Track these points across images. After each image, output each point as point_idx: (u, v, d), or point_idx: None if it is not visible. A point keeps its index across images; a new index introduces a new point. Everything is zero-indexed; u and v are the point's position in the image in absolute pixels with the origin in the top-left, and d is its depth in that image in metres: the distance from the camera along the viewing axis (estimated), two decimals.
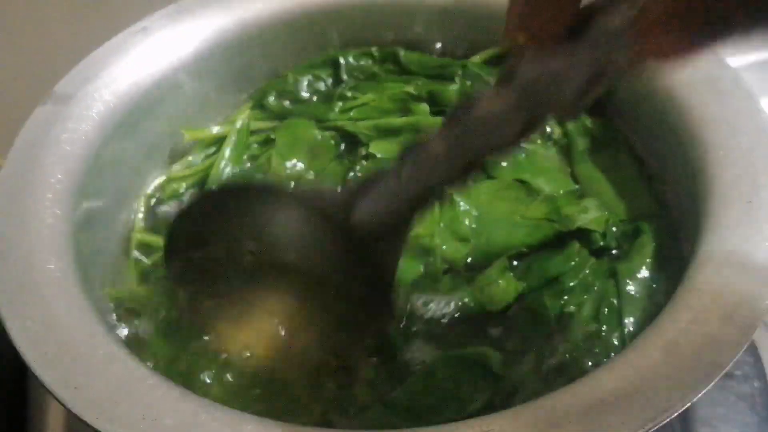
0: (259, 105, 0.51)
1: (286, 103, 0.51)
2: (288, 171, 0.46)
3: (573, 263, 0.39)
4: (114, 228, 0.44)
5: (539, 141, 0.46)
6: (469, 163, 0.28)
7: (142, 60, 0.45)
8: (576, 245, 0.39)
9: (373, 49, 0.51)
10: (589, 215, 0.40)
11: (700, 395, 0.27)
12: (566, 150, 0.46)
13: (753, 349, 0.41)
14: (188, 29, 0.47)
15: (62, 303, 0.33)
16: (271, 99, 0.50)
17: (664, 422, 0.27)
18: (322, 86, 0.51)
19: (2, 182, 0.37)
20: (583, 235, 0.40)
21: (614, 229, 0.40)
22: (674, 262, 0.38)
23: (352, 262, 0.33)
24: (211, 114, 0.50)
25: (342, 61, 0.51)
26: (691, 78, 0.40)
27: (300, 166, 0.47)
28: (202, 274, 0.37)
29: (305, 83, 0.51)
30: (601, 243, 0.39)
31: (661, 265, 0.38)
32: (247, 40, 0.49)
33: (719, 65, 0.40)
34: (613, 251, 0.40)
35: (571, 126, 0.46)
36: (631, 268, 0.38)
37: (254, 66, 0.51)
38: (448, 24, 0.51)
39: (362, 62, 0.51)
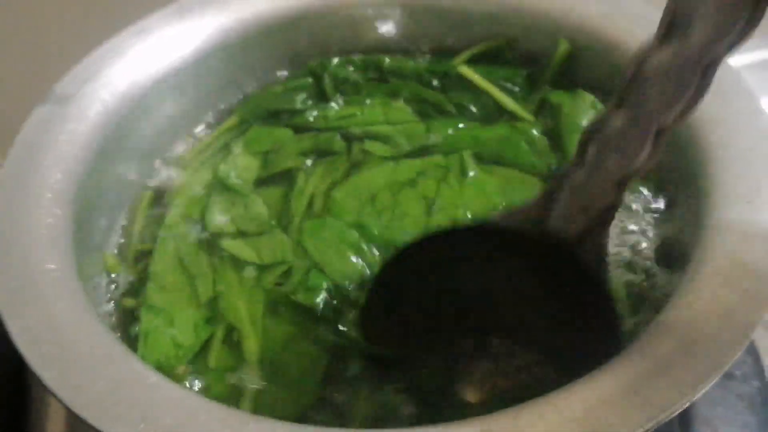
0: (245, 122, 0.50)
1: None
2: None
3: None
4: (113, 228, 0.44)
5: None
6: (654, 129, 0.27)
7: (142, 60, 0.45)
8: None
9: (356, 58, 0.51)
10: None
11: (699, 395, 0.27)
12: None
13: (752, 349, 0.41)
14: (188, 29, 0.47)
15: (62, 303, 0.33)
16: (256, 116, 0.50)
17: (664, 421, 0.27)
18: (304, 99, 0.51)
19: (2, 182, 0.37)
20: None
21: None
22: (674, 261, 0.38)
23: (559, 281, 0.32)
24: (210, 113, 0.50)
25: (326, 74, 0.51)
26: None
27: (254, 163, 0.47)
28: (403, 329, 0.36)
29: (290, 97, 0.51)
30: None
31: (662, 264, 0.38)
32: (246, 40, 0.49)
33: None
34: None
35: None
36: None
37: (254, 65, 0.51)
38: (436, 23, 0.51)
39: (345, 72, 0.51)
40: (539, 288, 0.33)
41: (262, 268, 0.41)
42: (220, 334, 0.39)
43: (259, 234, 0.42)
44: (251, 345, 0.38)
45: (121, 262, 0.42)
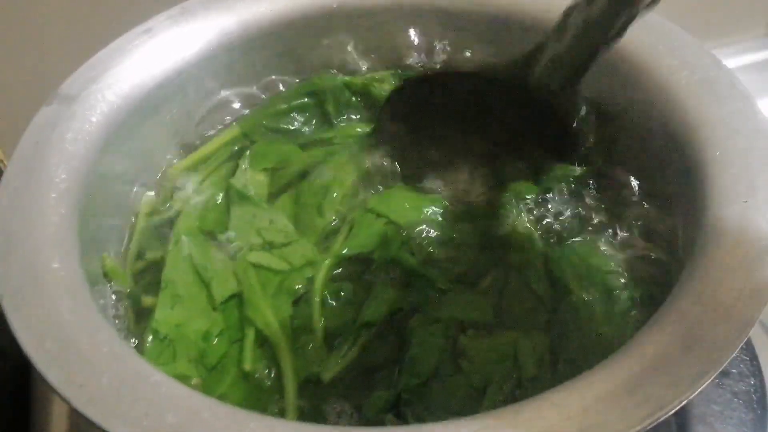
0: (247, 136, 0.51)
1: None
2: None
3: None
4: (118, 228, 0.44)
5: None
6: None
7: (146, 61, 0.45)
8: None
9: (357, 80, 0.51)
10: None
11: (696, 393, 0.27)
12: None
13: (749, 347, 0.41)
14: (192, 31, 0.47)
15: (66, 301, 0.33)
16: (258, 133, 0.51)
17: (661, 419, 0.27)
18: (306, 120, 0.51)
19: (7, 182, 0.37)
20: None
21: None
22: (671, 260, 0.38)
23: (535, 117, 0.42)
24: (214, 114, 0.50)
25: (328, 96, 0.51)
26: (689, 79, 0.40)
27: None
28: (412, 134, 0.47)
29: (292, 118, 0.51)
30: None
31: (657, 264, 0.39)
32: (250, 42, 0.49)
33: (717, 66, 0.40)
34: None
35: None
36: None
37: (257, 68, 0.51)
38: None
39: (346, 95, 0.51)
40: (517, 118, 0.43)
41: (287, 273, 0.41)
42: (251, 336, 0.39)
43: (286, 244, 0.43)
44: (284, 350, 0.38)
45: (122, 265, 0.43)
